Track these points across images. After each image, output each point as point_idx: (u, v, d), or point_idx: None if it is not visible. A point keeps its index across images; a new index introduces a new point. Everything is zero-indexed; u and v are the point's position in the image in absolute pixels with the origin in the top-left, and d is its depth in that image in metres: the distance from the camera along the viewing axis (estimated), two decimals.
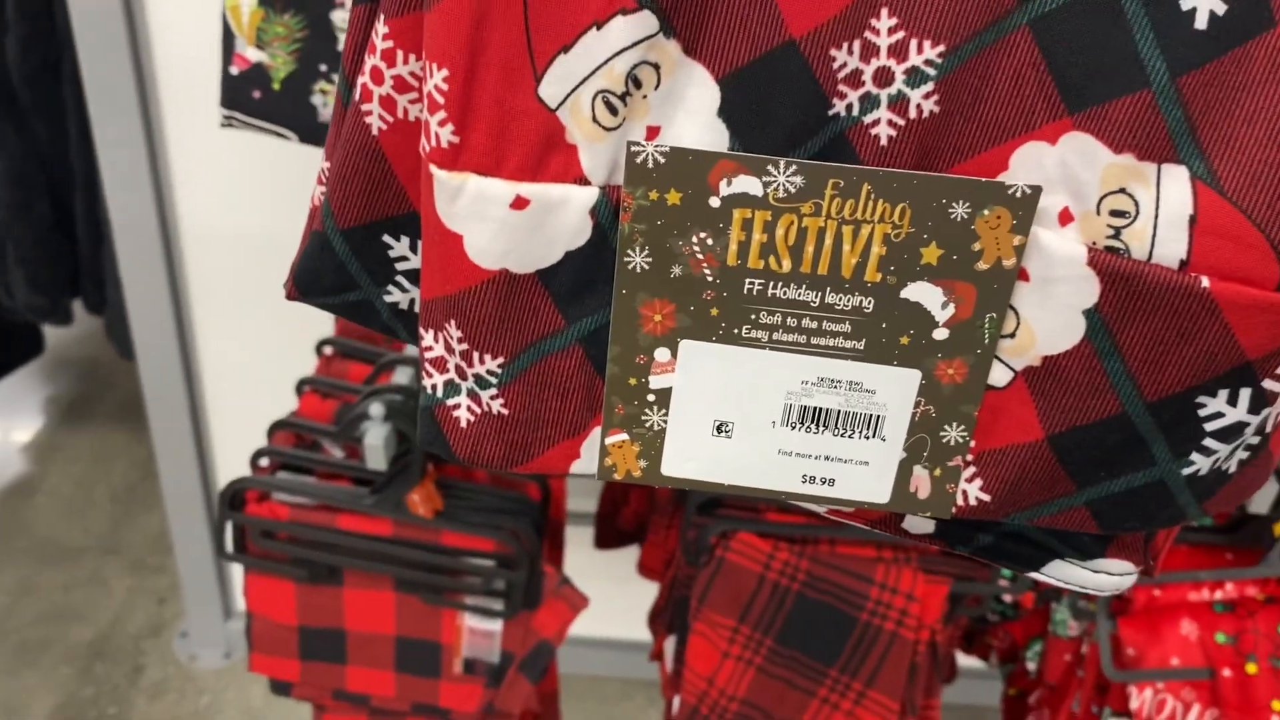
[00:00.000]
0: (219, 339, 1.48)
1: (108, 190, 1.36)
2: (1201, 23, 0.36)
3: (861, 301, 0.40)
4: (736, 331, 0.41)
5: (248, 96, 0.76)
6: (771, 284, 0.40)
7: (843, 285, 0.40)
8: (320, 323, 1.33)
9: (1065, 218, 0.39)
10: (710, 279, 0.40)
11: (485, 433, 0.45)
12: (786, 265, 0.40)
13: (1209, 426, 0.40)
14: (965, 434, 0.43)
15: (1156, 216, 0.38)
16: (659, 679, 1.67)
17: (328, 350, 1.06)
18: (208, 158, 1.34)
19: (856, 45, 0.38)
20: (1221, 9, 0.36)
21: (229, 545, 0.91)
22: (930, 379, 0.42)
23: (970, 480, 0.44)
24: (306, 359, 1.31)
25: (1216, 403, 0.40)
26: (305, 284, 0.48)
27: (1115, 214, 0.38)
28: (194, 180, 1.36)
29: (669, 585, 1.04)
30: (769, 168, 0.38)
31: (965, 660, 1.23)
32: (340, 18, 0.73)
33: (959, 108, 0.38)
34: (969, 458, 0.44)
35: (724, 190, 0.39)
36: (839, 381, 0.42)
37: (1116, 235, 0.38)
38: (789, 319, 0.41)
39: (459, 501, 0.90)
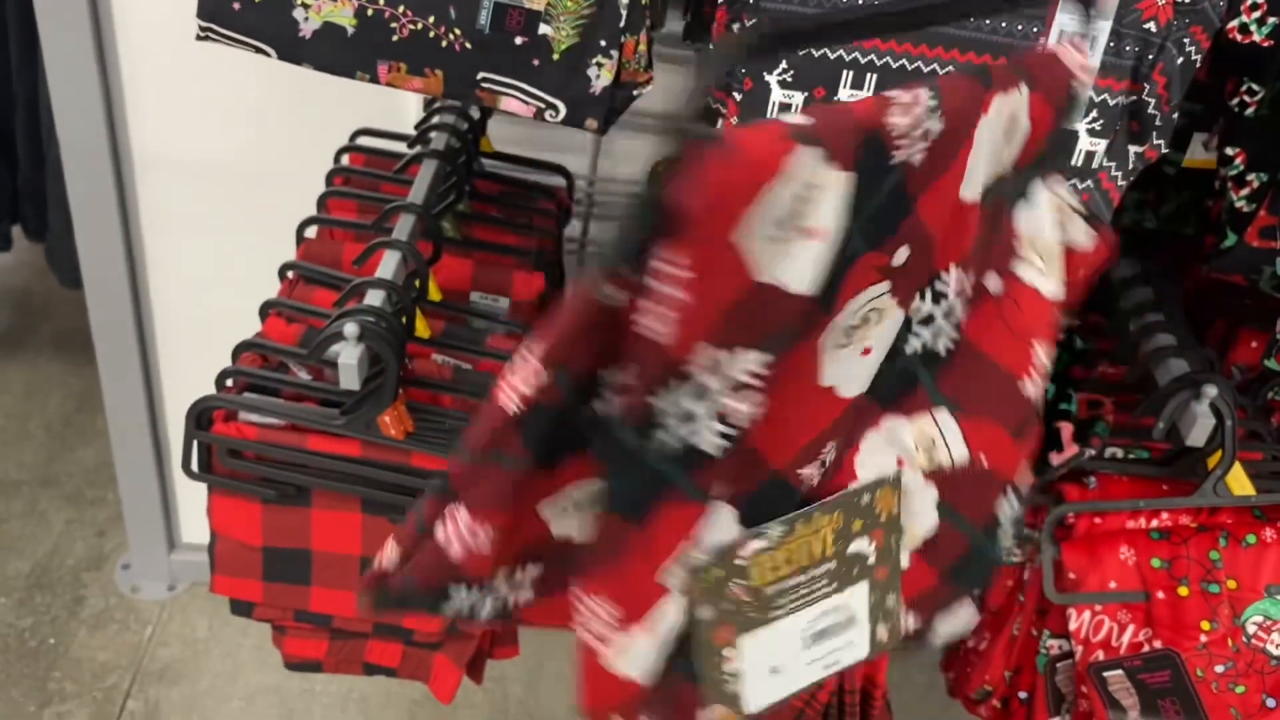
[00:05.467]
0: (168, 266, 1.46)
1: (56, 112, 1.33)
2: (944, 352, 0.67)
3: (829, 565, 0.67)
4: (767, 616, 0.66)
5: (227, 8, 0.75)
6: (781, 583, 0.65)
7: (816, 562, 0.66)
8: (274, 253, 1.31)
9: (901, 463, 0.67)
10: (747, 599, 0.65)
11: None
12: (785, 569, 0.65)
13: (1002, 520, 0.72)
14: (896, 598, 0.70)
15: (945, 440, 0.68)
16: None
17: (291, 275, 1.06)
18: (161, 79, 1.31)
19: (815, 465, 0.64)
20: (951, 346, 0.67)
21: (194, 465, 0.91)
22: (872, 581, 0.69)
23: (907, 615, 0.72)
24: (257, 288, 1.30)
25: (1004, 505, 0.71)
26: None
27: (926, 449, 0.68)
28: (147, 102, 1.33)
29: None
30: (764, 531, 0.64)
31: None
32: None
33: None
34: (904, 608, 0.71)
35: (743, 553, 0.63)
36: (829, 609, 0.68)
37: (930, 459, 0.68)
38: (793, 592, 0.66)
39: (429, 424, 0.91)
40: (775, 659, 0.69)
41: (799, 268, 0.55)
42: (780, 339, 0.57)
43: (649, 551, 0.61)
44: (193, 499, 1.68)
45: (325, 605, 0.98)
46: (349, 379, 0.85)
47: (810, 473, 0.65)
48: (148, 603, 1.71)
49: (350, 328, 0.84)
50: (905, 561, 0.71)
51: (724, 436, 0.58)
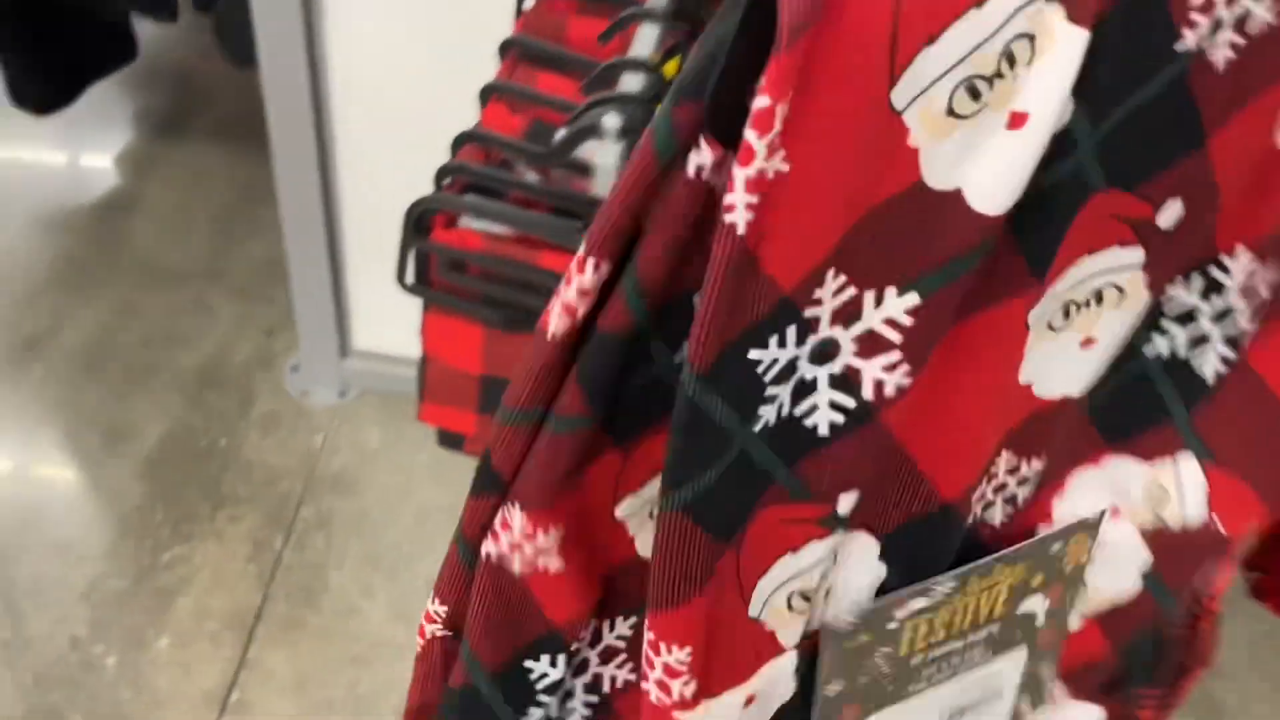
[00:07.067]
0: (352, 39, 1.30)
1: None
2: (1211, 376, 0.47)
3: (991, 630, 0.51)
4: (906, 690, 0.51)
5: None
6: (930, 651, 0.50)
7: (978, 626, 0.51)
8: (473, 26, 1.14)
9: (1115, 514, 0.50)
10: (887, 671, 0.49)
11: None
12: (941, 634, 0.50)
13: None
14: (1051, 668, 0.56)
15: (1183, 496, 0.49)
16: None
17: (511, 53, 0.89)
18: None
19: (996, 490, 0.48)
20: (1223, 370, 0.46)
21: (409, 276, 0.77)
22: (1033, 647, 0.53)
23: (1054, 686, 0.57)
24: (450, 68, 1.13)
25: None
26: None
27: (1154, 503, 0.50)
28: None
29: None
30: (933, 587, 0.47)
31: None
32: None
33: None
34: (1056, 680, 0.57)
35: (899, 615, 0.47)
36: (975, 681, 0.53)
37: (1156, 516, 0.50)
38: (941, 663, 0.51)
39: None
40: None
41: (985, 170, 0.35)
42: (941, 279, 0.37)
43: (742, 581, 0.43)
44: (367, 303, 1.57)
45: None
46: (606, 185, 0.69)
47: (991, 503, 0.48)
48: (318, 408, 1.63)
49: (611, 119, 0.68)
50: (1075, 624, 0.55)
51: (840, 410, 0.39)
